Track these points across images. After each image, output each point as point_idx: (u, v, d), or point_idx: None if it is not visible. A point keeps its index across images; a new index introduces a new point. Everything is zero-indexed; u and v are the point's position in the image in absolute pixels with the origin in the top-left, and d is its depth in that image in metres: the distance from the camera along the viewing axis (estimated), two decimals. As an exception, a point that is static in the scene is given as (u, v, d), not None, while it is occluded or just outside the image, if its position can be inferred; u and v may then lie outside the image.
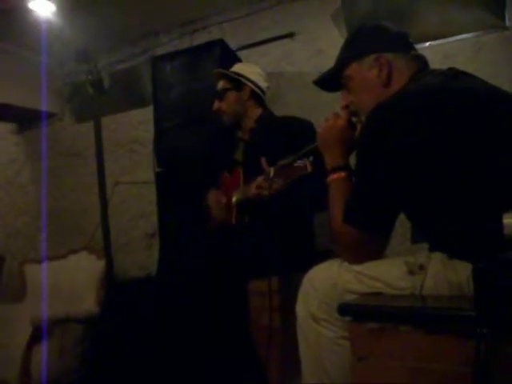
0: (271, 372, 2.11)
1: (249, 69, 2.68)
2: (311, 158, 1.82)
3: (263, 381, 2.11)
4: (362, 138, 1.43)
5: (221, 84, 2.63)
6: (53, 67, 4.02)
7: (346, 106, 1.66)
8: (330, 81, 1.70)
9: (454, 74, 1.43)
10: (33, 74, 3.87)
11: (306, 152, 1.83)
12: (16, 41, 3.66)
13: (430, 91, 1.36)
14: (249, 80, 2.59)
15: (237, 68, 2.68)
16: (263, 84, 2.64)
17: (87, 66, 2.04)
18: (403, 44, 1.59)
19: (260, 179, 2.09)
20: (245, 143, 2.63)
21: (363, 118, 1.54)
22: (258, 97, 2.62)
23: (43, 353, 2.80)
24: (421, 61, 1.57)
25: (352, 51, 1.62)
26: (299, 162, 1.84)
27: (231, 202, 2.49)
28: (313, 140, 2.31)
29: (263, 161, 2.09)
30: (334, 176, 1.54)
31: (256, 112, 2.61)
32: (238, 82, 2.60)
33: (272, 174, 1.98)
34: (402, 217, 1.41)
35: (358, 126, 1.59)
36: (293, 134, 2.34)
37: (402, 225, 1.50)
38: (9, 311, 3.48)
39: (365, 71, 1.57)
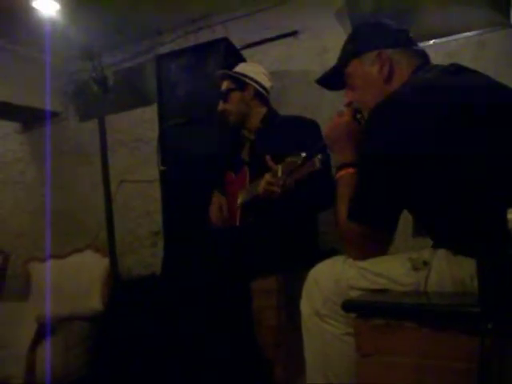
0: (276, 371, 2.11)
1: (252, 68, 2.68)
2: (320, 156, 1.82)
3: (268, 380, 2.11)
4: (365, 133, 1.43)
5: (225, 85, 2.63)
6: (57, 66, 4.02)
7: (350, 104, 1.66)
8: (333, 79, 1.70)
9: (455, 69, 1.43)
10: (37, 73, 3.87)
11: (314, 150, 1.83)
12: (20, 40, 3.68)
13: (431, 87, 1.36)
14: (252, 80, 2.59)
15: (240, 68, 2.68)
16: (267, 83, 2.64)
17: (91, 63, 2.04)
18: (404, 40, 1.59)
19: (268, 176, 2.09)
20: (250, 143, 2.64)
21: (366, 114, 1.55)
22: (262, 96, 2.62)
23: (48, 351, 2.81)
24: (422, 56, 1.57)
25: (353, 48, 1.63)
26: (303, 160, 1.84)
27: (236, 202, 2.49)
28: (318, 138, 2.32)
29: (268, 158, 2.09)
30: (342, 172, 1.54)
31: (261, 111, 2.61)
32: (241, 83, 2.60)
33: (280, 171, 1.98)
34: (404, 213, 1.41)
35: (363, 122, 1.59)
36: (298, 133, 2.35)
37: (405, 222, 1.50)
38: (14, 309, 3.49)
39: (366, 68, 1.57)
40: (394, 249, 1.45)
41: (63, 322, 2.93)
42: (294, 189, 2.00)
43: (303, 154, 1.86)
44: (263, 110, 2.61)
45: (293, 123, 2.50)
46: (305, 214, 2.39)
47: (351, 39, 1.67)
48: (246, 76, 2.60)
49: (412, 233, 1.48)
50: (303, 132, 2.37)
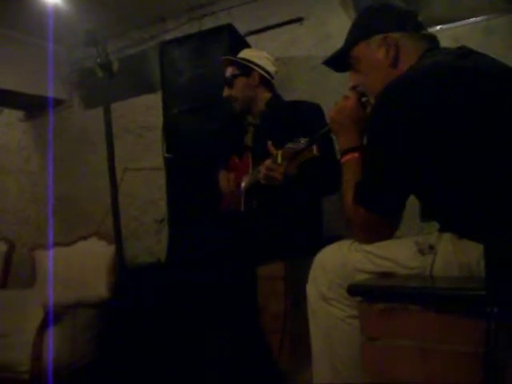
0: (281, 357, 2.11)
1: (256, 54, 2.68)
2: (318, 142, 1.81)
3: (273, 367, 2.12)
4: (372, 118, 1.42)
5: (229, 71, 2.62)
6: (60, 53, 4.02)
7: (355, 87, 1.64)
8: (339, 61, 1.69)
9: (464, 52, 1.42)
10: (40, 61, 3.87)
11: (315, 136, 1.82)
12: (23, 27, 3.65)
13: (439, 69, 1.35)
14: (257, 65, 2.59)
15: (244, 54, 2.67)
16: (271, 68, 2.63)
17: (96, 49, 2.03)
18: (412, 23, 1.56)
19: (268, 162, 2.08)
20: (255, 128, 2.63)
21: (372, 98, 1.54)
22: (266, 81, 2.62)
23: (55, 337, 2.82)
24: (431, 40, 1.55)
25: (360, 31, 1.61)
26: (305, 145, 1.83)
27: (240, 187, 2.50)
28: (321, 122, 2.31)
29: (270, 144, 2.09)
30: (348, 157, 1.53)
31: (266, 96, 2.61)
32: (246, 68, 2.59)
33: (280, 157, 1.98)
34: (412, 198, 1.41)
35: (369, 106, 1.58)
36: (302, 118, 2.34)
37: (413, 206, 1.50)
38: (19, 297, 3.50)
39: (372, 51, 1.55)
40: (401, 233, 1.45)
41: (69, 309, 2.95)
42: (295, 174, 1.99)
43: (302, 140, 1.84)
44: (268, 95, 2.61)
45: (297, 108, 2.49)
46: (306, 200, 2.39)
47: (358, 21, 1.65)
48: (250, 62, 2.59)
49: (419, 217, 1.48)
50: (307, 116, 2.37)
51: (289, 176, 2.02)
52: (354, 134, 1.55)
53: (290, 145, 1.90)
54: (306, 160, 1.86)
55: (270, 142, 2.09)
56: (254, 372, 2.11)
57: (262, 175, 2.12)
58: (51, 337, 2.81)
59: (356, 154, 1.51)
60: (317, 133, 1.81)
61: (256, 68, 2.58)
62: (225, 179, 2.66)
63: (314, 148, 1.81)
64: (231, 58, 2.64)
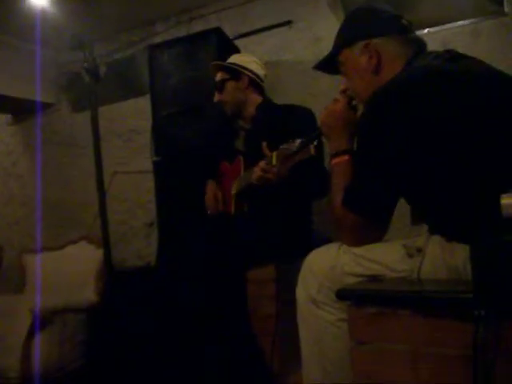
0: (272, 360, 2.11)
1: (245, 58, 2.68)
2: (315, 143, 1.81)
3: (264, 370, 2.11)
4: (362, 121, 1.43)
5: (219, 76, 2.63)
6: (48, 57, 3.99)
7: (345, 90, 1.65)
8: (329, 65, 1.69)
9: (452, 55, 1.42)
10: (28, 64, 3.84)
11: (309, 137, 1.82)
12: (11, 31, 3.64)
13: (429, 73, 1.35)
14: (246, 69, 2.59)
15: (233, 59, 2.67)
16: (261, 72, 2.64)
17: (83, 53, 2.02)
18: (396, 27, 1.55)
19: (262, 163, 2.08)
20: (246, 132, 2.63)
21: (359, 103, 1.54)
22: (257, 85, 2.62)
23: (43, 342, 2.81)
24: (417, 44, 1.55)
25: (343, 37, 1.62)
26: (300, 147, 1.83)
27: (230, 192, 2.49)
28: (312, 126, 2.31)
29: (264, 146, 2.08)
30: (337, 160, 1.53)
31: (256, 100, 2.61)
32: (235, 72, 2.59)
33: (274, 158, 1.98)
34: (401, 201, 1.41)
35: (360, 108, 1.59)
36: (294, 122, 2.34)
37: (401, 210, 1.50)
38: (8, 301, 3.48)
39: (355, 58, 1.56)
40: (391, 236, 1.45)
41: (58, 313, 2.93)
42: (288, 176, 1.99)
43: (297, 141, 1.84)
44: (258, 99, 2.61)
45: (287, 111, 2.50)
46: (296, 203, 2.38)
47: (343, 26, 1.66)
48: (239, 65, 2.59)
49: (410, 221, 1.48)
50: (298, 120, 2.37)
51: (283, 177, 2.02)
52: (343, 137, 1.55)
53: (284, 146, 1.90)
54: (301, 161, 1.86)
55: (264, 144, 2.09)
56: (245, 374, 2.11)
57: (256, 176, 2.11)
58: (39, 342, 2.80)
59: (346, 157, 1.51)
60: (311, 134, 1.81)
61: (245, 71, 2.58)
62: (211, 196, 2.63)
63: (312, 148, 1.80)
64: (220, 63, 2.64)
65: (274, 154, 1.98)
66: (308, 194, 2.37)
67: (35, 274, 3.64)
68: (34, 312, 2.84)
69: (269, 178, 2.07)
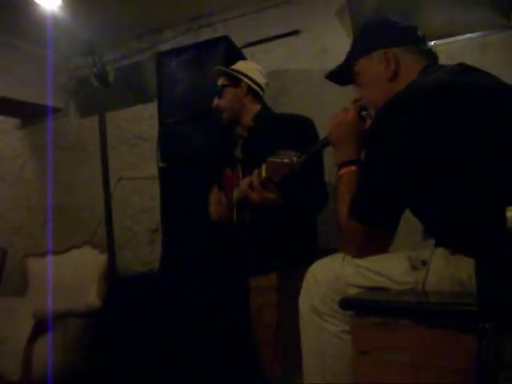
0: (274, 368, 2.11)
1: (247, 65, 2.69)
2: (297, 156, 1.80)
3: (266, 378, 2.11)
4: (371, 132, 1.43)
5: (220, 81, 2.64)
6: (58, 62, 4.02)
7: (356, 100, 1.66)
8: (341, 75, 1.70)
9: (463, 69, 1.43)
10: (38, 69, 3.87)
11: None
12: (21, 35, 3.66)
13: (439, 86, 1.36)
14: (246, 76, 2.59)
15: (236, 66, 2.68)
16: (262, 80, 2.63)
17: (92, 58, 2.04)
18: (412, 38, 1.58)
19: (248, 178, 2.09)
20: (243, 140, 2.64)
21: (373, 112, 1.55)
22: (255, 93, 2.62)
23: (45, 346, 2.80)
24: (431, 55, 1.57)
25: (361, 46, 1.63)
26: (286, 158, 1.82)
27: (232, 200, 2.49)
28: (310, 136, 2.32)
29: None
30: (344, 170, 1.54)
31: (254, 109, 2.60)
32: (235, 79, 2.60)
33: (264, 171, 1.97)
34: (408, 215, 1.41)
35: (368, 120, 1.59)
36: (289, 131, 2.34)
37: (408, 223, 1.50)
38: (11, 305, 3.49)
39: (373, 66, 1.57)
40: (396, 247, 1.45)
41: (60, 318, 2.93)
42: (277, 190, 2.00)
43: (288, 152, 1.82)
44: (257, 108, 2.60)
45: (284, 121, 2.50)
46: (298, 214, 2.38)
47: (359, 37, 1.68)
48: (239, 72, 2.60)
49: (422, 235, 1.48)
50: (294, 130, 2.37)
51: (268, 198, 2.05)
52: (352, 147, 1.56)
53: (273, 158, 1.88)
54: (286, 174, 1.84)
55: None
56: (246, 382, 2.10)
57: (241, 195, 2.13)
58: (47, 345, 2.80)
59: (353, 168, 1.52)
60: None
61: (244, 78, 2.58)
62: (215, 203, 2.63)
63: (294, 161, 1.79)
64: (221, 68, 2.65)
65: (264, 166, 1.96)
66: (304, 205, 2.37)
67: (38, 277, 3.65)
68: (37, 316, 2.84)
69: (250, 197, 2.09)
